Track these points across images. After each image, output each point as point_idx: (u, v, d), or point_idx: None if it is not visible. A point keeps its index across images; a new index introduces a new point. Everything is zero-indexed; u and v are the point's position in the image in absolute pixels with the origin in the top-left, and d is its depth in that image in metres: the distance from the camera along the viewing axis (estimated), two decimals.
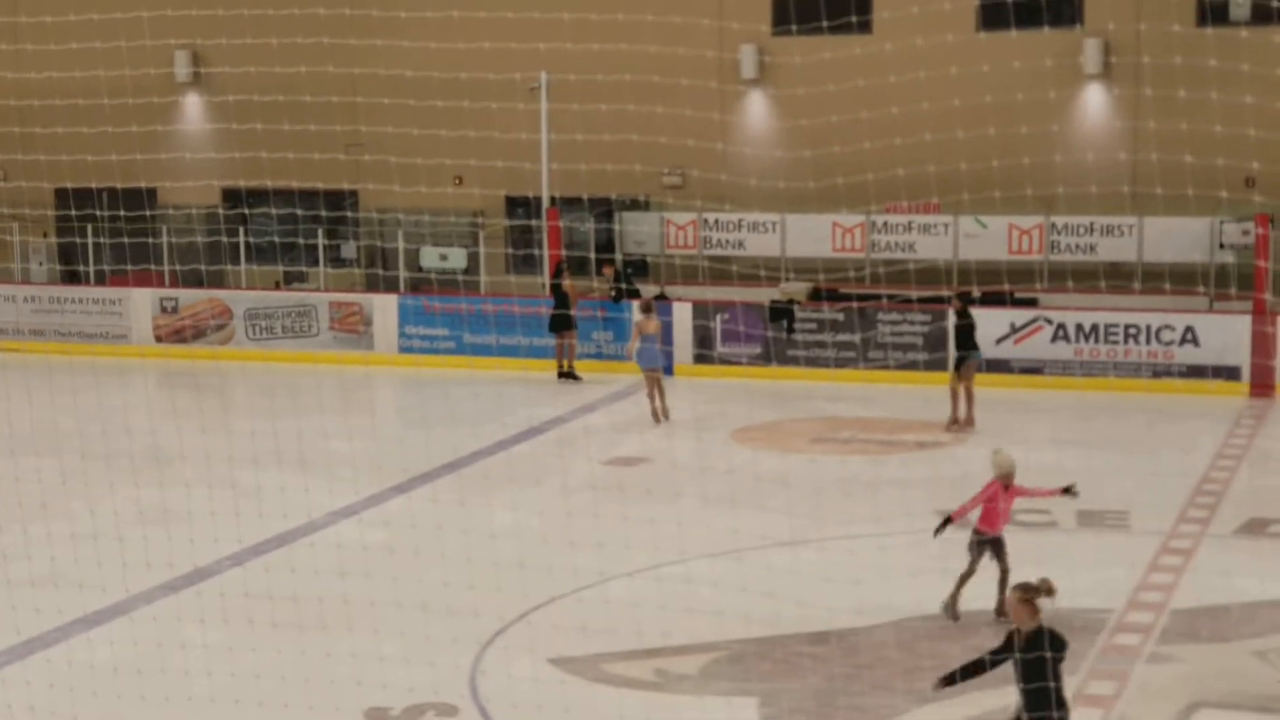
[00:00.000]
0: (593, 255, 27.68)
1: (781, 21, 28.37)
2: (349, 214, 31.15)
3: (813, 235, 27.98)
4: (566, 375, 25.08)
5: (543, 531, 15.45)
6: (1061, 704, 9.00)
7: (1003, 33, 25.39)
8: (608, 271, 26.48)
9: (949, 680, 9.44)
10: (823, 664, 12.22)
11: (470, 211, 30.22)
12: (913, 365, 24.64)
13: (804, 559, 14.82)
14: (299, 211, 30.58)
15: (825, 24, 24.29)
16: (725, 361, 25.55)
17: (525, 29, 27.27)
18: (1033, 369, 24.30)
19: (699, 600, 13.30)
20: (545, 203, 27.75)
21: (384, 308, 27.17)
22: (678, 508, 16.22)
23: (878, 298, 25.55)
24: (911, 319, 24.81)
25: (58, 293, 28.99)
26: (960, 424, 21.06)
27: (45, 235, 32.07)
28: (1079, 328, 24.18)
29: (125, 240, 28.99)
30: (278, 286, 29.78)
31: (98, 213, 30.22)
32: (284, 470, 18.62)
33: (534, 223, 28.96)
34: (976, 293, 24.35)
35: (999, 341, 24.13)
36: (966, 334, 21.27)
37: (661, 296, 26.45)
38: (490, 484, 18.05)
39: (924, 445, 20.44)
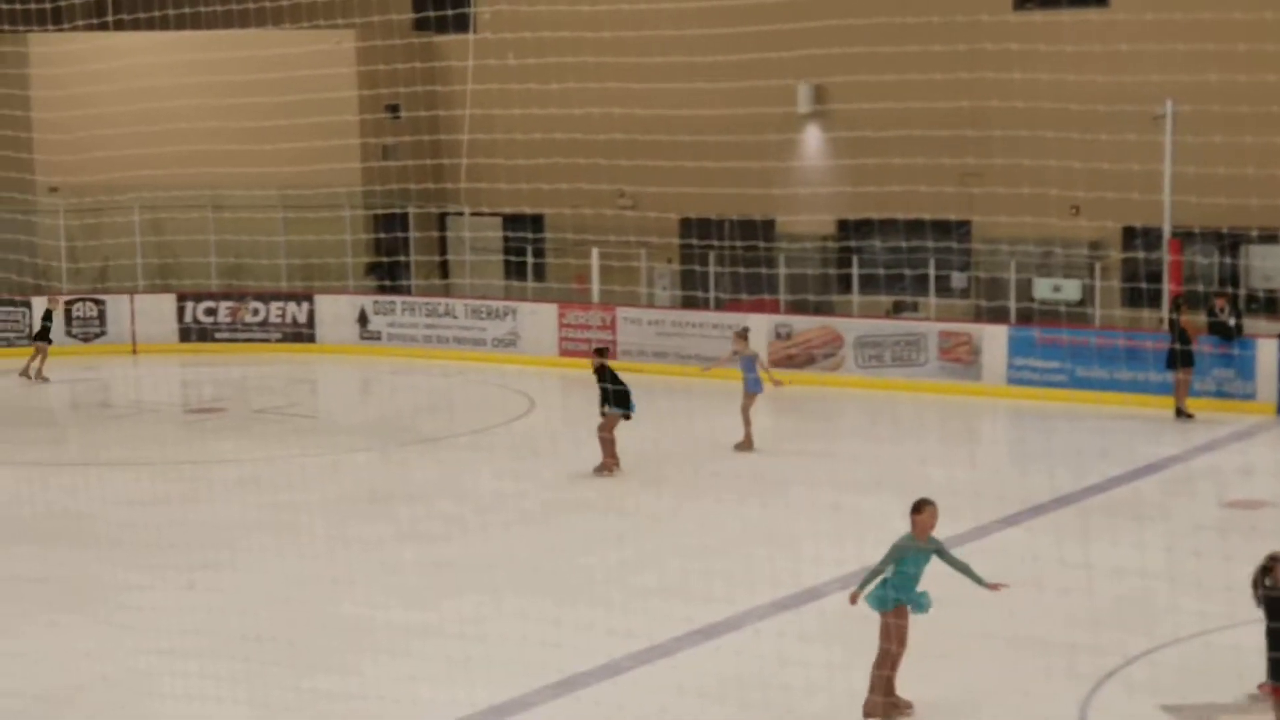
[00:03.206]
0: (1214, 289, 26.39)
1: None
2: (959, 245, 31.08)
3: None
4: (1183, 413, 24.06)
5: (1166, 571, 14.90)
6: None
7: None
8: (1220, 303, 25.13)
9: None
10: None
11: (1084, 242, 29.51)
12: None
13: None
14: (909, 242, 30.77)
15: None
16: None
17: (1142, 61, 26.38)
18: None
19: None
20: (1166, 235, 26.73)
21: (994, 338, 26.92)
22: None
23: None
24: None
25: (679, 317, 30.26)
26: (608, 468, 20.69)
27: (669, 262, 33.62)
28: None
29: (743, 269, 30.10)
30: (887, 315, 30.07)
31: (719, 242, 31.48)
32: (887, 496, 18.74)
33: (1152, 255, 27.94)
34: None
35: None
36: (610, 393, 20.53)
37: None
38: (1110, 520, 17.55)
39: None
